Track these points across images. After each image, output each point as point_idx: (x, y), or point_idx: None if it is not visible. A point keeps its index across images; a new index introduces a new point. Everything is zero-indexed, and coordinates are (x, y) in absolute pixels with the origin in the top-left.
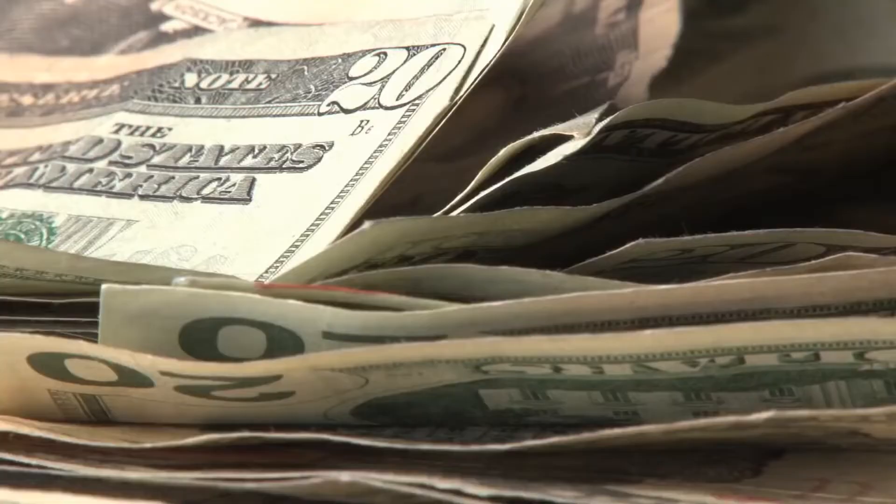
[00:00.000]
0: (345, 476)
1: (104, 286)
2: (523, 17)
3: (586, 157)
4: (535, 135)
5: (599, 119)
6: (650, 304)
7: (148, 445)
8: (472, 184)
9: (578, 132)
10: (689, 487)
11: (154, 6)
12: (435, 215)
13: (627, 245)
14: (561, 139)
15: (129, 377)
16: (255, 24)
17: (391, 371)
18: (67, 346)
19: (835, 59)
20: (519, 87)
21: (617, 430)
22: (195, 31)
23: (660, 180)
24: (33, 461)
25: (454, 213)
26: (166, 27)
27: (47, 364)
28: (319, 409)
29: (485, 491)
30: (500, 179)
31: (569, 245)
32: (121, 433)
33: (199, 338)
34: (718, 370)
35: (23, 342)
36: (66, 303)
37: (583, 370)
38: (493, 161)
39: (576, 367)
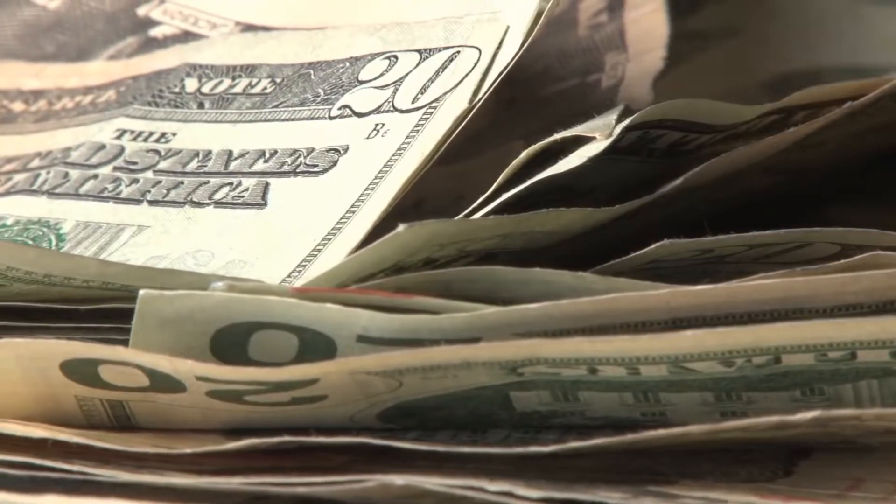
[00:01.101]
0: (399, 480)
1: (142, 291)
2: (542, 18)
3: (601, 159)
4: (557, 136)
5: (619, 120)
6: (685, 304)
7: (188, 451)
8: (494, 185)
9: (600, 133)
10: (728, 488)
11: (141, 11)
12: (461, 217)
13: (653, 246)
14: (579, 141)
15: (162, 382)
16: (249, 28)
17: (426, 374)
18: (104, 351)
19: (797, 60)
20: (507, 89)
21: (662, 431)
22: (187, 36)
23: (678, 180)
24: (74, 467)
25: (477, 215)
26: (155, 32)
27: (80, 370)
28: (346, 412)
29: (535, 493)
30: (519, 181)
31: (582, 245)
32: (148, 439)
33: (231, 342)
34: (753, 370)
35: (58, 348)
36: (92, 308)
37: (619, 371)
38: (515, 162)
39: (612, 369)
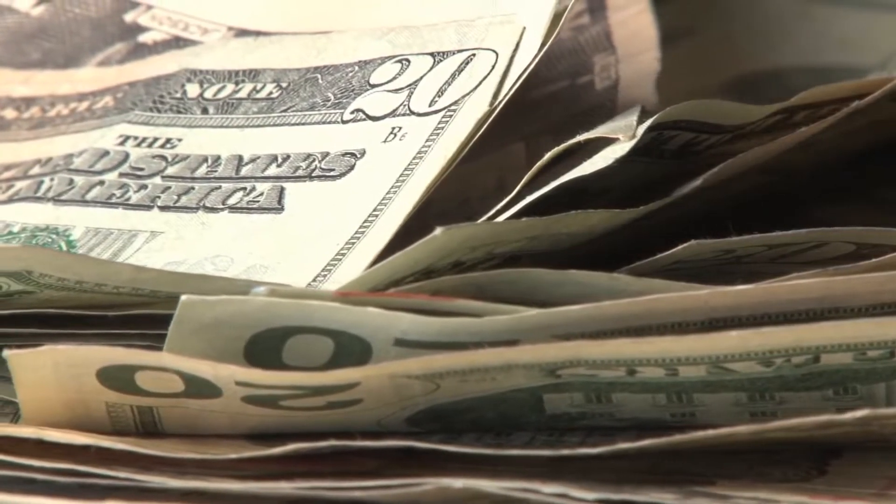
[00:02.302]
0: (458, 482)
1: (184, 296)
2: (562, 18)
3: (618, 160)
4: (581, 138)
5: (639, 121)
6: (723, 304)
7: (233, 456)
8: (518, 187)
9: (623, 135)
10: (772, 488)
11: (128, 17)
12: (485, 219)
13: (680, 247)
14: (602, 142)
15: (198, 388)
16: (242, 33)
17: (465, 376)
18: (145, 357)
19: (756, 60)
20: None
21: (711, 432)
22: (179, 42)
23: (697, 181)
24: (121, 474)
25: (502, 217)
26: (145, 38)
27: (116, 376)
28: (375, 417)
29: (591, 494)
30: (538, 183)
31: (597, 247)
32: (177, 444)
33: (266, 347)
34: (791, 370)
35: (97, 354)
36: (122, 315)
37: (657, 372)
38: (538, 165)
39: (650, 370)
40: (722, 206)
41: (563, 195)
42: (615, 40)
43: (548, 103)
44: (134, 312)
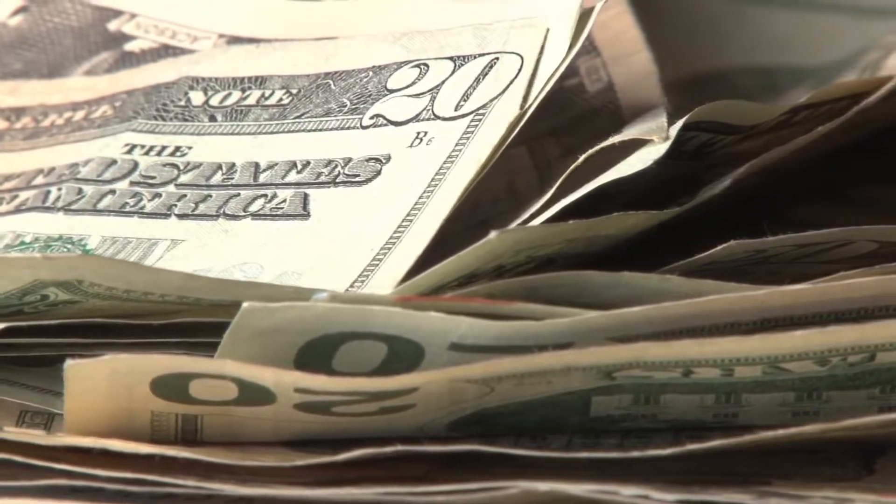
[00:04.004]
0: (543, 486)
1: (246, 304)
2: (590, 20)
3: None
4: (615, 139)
5: (669, 122)
6: (777, 304)
7: (300, 463)
8: (553, 189)
9: (656, 136)
10: (840, 487)
11: (112, 26)
12: (522, 223)
13: (719, 247)
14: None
15: (252, 395)
16: (235, 40)
17: (521, 380)
18: (205, 365)
19: (700, 62)
20: None
21: (781, 431)
22: (167, 50)
23: (726, 181)
24: (189, 482)
25: (537, 220)
26: (131, 46)
27: (170, 384)
28: (420, 422)
29: (671, 496)
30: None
31: (621, 248)
32: (225, 452)
33: (318, 353)
34: (845, 368)
35: (156, 363)
36: (165, 323)
37: (713, 373)
38: (572, 167)
39: (707, 370)
40: (714, 206)
41: (583, 198)
42: (598, 43)
43: (541, 106)
44: (178, 321)
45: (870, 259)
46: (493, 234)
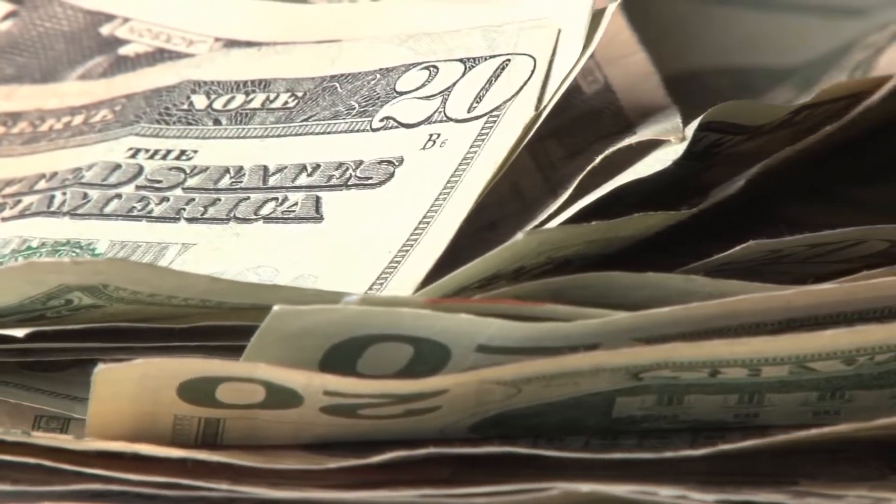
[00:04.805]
0: (584, 487)
1: (276, 306)
2: (604, 18)
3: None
4: (632, 140)
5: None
6: (803, 304)
7: (332, 466)
8: (570, 191)
9: (674, 136)
10: (872, 486)
11: (104, 30)
12: (537, 225)
13: (739, 247)
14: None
15: (280, 398)
16: (232, 44)
17: (549, 381)
18: (236, 368)
19: (672, 63)
20: None
21: (814, 431)
22: (162, 54)
23: (741, 181)
24: (222, 486)
25: (554, 221)
26: (126, 51)
27: (198, 388)
28: (442, 424)
29: (710, 496)
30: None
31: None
32: (245, 455)
33: (343, 356)
34: (871, 367)
35: (187, 366)
36: (188, 327)
37: (740, 373)
38: (589, 168)
39: (735, 370)
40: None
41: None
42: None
43: None
44: (202, 324)
45: (879, 258)
46: (519, 236)
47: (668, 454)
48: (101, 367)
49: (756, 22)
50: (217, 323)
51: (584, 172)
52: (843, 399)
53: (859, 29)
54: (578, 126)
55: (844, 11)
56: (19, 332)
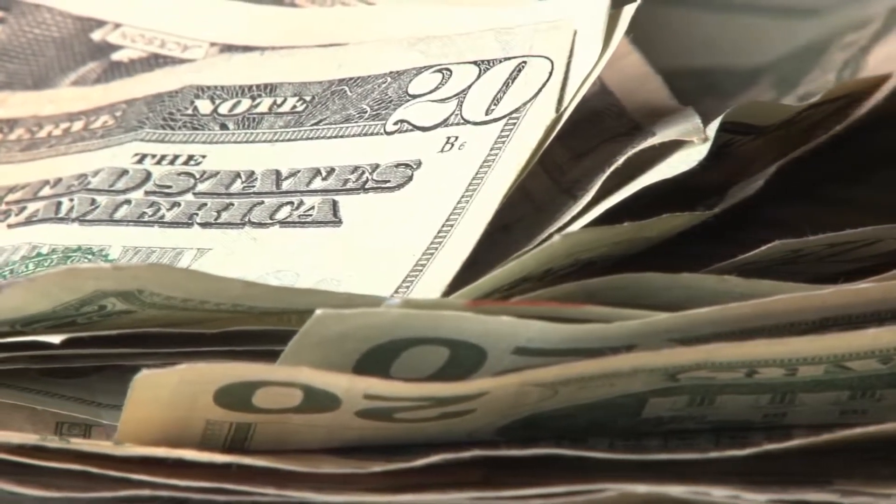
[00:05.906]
0: (641, 488)
1: (319, 310)
2: (621, 19)
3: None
4: (654, 142)
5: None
6: (838, 303)
7: (377, 469)
8: (593, 193)
9: (696, 137)
10: None
11: (96, 36)
12: (561, 227)
13: (765, 247)
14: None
15: (316, 401)
16: (228, 48)
17: (585, 383)
18: (278, 373)
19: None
20: None
21: (858, 430)
22: (157, 59)
23: (759, 182)
24: (269, 490)
25: (576, 224)
26: (119, 56)
27: (235, 392)
28: (471, 428)
29: (762, 496)
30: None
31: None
32: (275, 460)
33: (378, 359)
34: None
35: (227, 371)
36: (220, 332)
37: (776, 372)
38: (610, 170)
39: (772, 370)
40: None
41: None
42: None
43: None
44: (232, 329)
45: (889, 257)
46: (556, 238)
47: (714, 454)
48: (143, 373)
49: (714, 23)
50: (247, 328)
51: (607, 174)
52: (874, 398)
53: (816, 29)
54: (580, 127)
55: (797, 12)
56: (55, 339)
